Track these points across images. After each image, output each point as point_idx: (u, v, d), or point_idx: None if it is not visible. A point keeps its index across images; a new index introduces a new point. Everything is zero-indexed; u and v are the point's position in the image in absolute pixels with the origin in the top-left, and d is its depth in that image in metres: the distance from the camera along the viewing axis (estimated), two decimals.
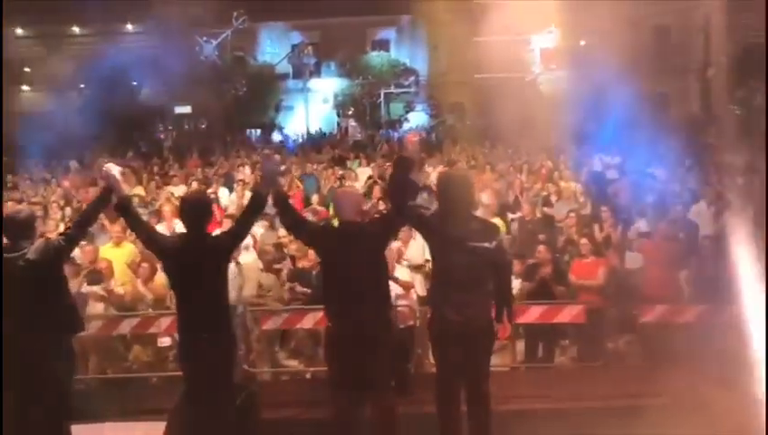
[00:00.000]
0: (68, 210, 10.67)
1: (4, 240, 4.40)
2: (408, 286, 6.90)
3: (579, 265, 7.68)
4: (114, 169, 4.50)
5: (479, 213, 9.50)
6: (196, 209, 4.36)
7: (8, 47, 38.91)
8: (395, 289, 6.97)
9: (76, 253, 7.94)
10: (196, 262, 4.24)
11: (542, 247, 7.62)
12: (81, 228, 4.58)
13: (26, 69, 39.06)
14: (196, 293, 4.25)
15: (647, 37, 31.17)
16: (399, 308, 6.59)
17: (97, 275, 7.29)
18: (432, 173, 13.90)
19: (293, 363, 7.51)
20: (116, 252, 8.13)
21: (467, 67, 30.99)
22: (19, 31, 38.38)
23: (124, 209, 4.41)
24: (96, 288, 7.18)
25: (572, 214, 9.32)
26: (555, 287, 7.29)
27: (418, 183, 4.56)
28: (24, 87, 38.92)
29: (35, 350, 4.20)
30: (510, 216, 10.55)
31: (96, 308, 7.07)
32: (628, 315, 7.05)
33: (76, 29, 38.14)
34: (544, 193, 11.71)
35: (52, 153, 22.30)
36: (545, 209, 10.72)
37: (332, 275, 4.34)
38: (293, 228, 4.63)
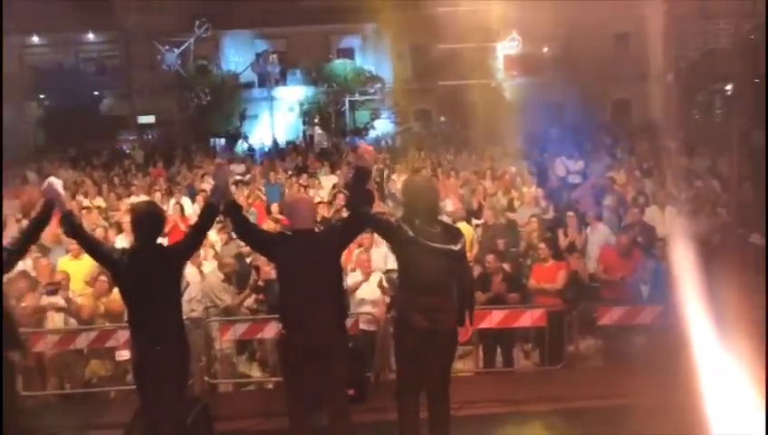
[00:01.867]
0: (24, 223, 10.42)
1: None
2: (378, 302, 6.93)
3: (539, 269, 7.76)
4: (57, 184, 4.43)
5: (444, 219, 9.60)
6: (146, 220, 4.30)
7: None
8: (366, 295, 6.99)
9: (30, 266, 7.83)
10: (148, 273, 4.19)
11: (490, 257, 7.69)
12: (22, 245, 4.52)
13: None
14: (149, 304, 4.19)
15: (607, 44, 31.79)
16: (361, 314, 6.59)
17: (56, 286, 7.16)
18: (398, 181, 13.98)
19: (256, 374, 7.44)
20: (74, 265, 7.99)
21: (432, 74, 31.19)
22: None
23: (69, 224, 4.33)
24: (55, 299, 7.05)
25: (534, 219, 9.41)
26: (507, 295, 7.35)
27: (373, 192, 4.55)
28: None
29: None
30: (474, 221, 10.63)
31: (55, 320, 6.92)
32: (589, 318, 7.12)
33: (35, 38, 37.42)
34: (507, 198, 11.83)
35: (8, 164, 21.84)
36: (508, 214, 10.81)
37: (287, 282, 4.31)
38: (246, 237, 4.64)
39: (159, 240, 4.49)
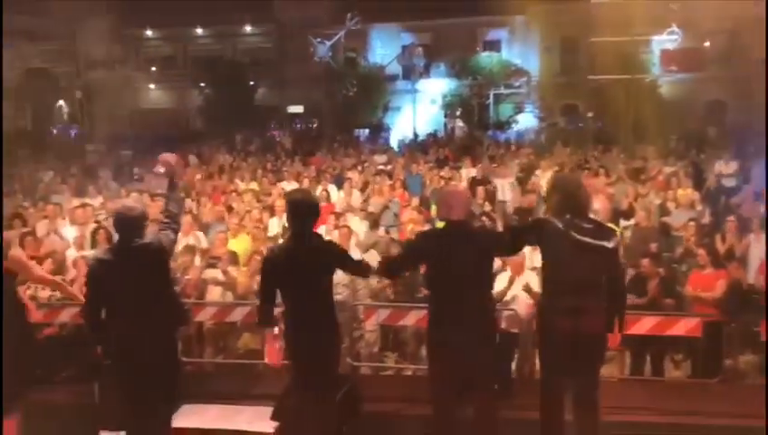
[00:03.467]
0: (188, 202, 11.24)
1: (116, 235, 4.52)
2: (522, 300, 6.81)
3: (696, 276, 7.32)
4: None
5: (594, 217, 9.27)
6: (302, 208, 4.41)
7: (139, 47, 41.64)
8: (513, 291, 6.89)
9: (199, 240, 8.47)
10: (305, 261, 4.30)
11: (646, 260, 7.30)
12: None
13: (153, 68, 41.51)
14: (305, 291, 4.31)
15: None
16: (506, 312, 6.52)
17: (216, 260, 7.66)
18: (542, 177, 13.67)
19: (391, 360, 7.57)
20: (233, 243, 8.51)
21: (581, 68, 30.16)
22: (148, 32, 40.84)
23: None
24: (215, 273, 7.55)
25: (692, 223, 8.88)
26: (663, 301, 6.96)
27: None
28: (151, 85, 41.36)
29: (147, 340, 4.32)
30: (623, 223, 10.18)
31: (214, 293, 7.41)
32: (750, 332, 6.63)
33: (199, 30, 40.11)
34: (659, 201, 11.22)
35: (173, 148, 23.58)
36: (662, 218, 10.25)
37: (438, 273, 4.29)
38: (402, 270, 4.81)
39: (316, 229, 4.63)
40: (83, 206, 10.33)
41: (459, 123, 33.21)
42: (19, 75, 37.48)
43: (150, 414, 4.36)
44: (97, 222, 9.48)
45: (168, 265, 4.60)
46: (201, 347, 7.55)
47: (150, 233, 4.55)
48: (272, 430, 5.46)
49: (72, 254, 8.45)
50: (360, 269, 4.61)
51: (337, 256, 4.51)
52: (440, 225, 4.55)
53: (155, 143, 26.44)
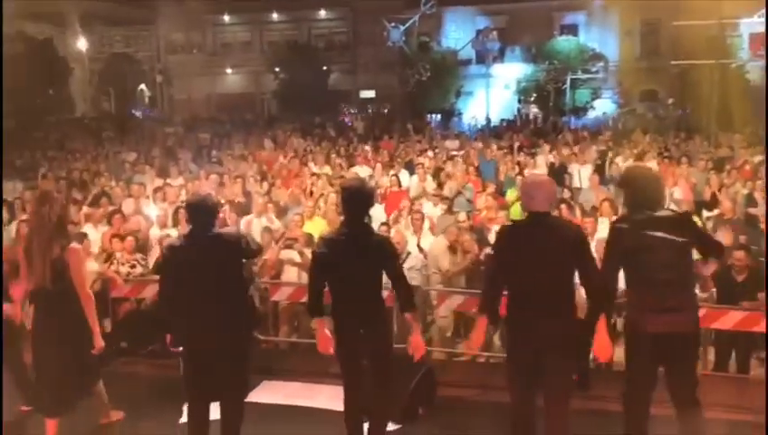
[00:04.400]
0: (264, 185, 11.48)
1: (188, 225, 4.45)
2: None
3: None
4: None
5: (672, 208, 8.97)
6: (357, 197, 4.24)
7: (217, 32, 42.62)
8: None
9: (272, 221, 8.65)
10: (355, 256, 4.16)
11: (740, 253, 6.96)
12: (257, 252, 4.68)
13: (229, 53, 42.48)
14: (353, 287, 4.21)
15: None
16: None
17: (293, 241, 7.81)
18: (621, 164, 13.30)
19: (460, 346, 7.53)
20: (308, 225, 8.65)
21: (663, 53, 29.09)
22: (226, 17, 41.77)
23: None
24: (291, 253, 7.70)
25: None
26: (753, 295, 6.65)
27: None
28: (228, 69, 42.33)
29: (214, 339, 4.22)
30: (705, 214, 9.80)
31: (290, 274, 7.56)
32: None
33: (275, 15, 40.73)
34: (747, 191, 10.72)
35: (249, 131, 24.14)
36: (749, 209, 9.81)
37: (519, 268, 4.09)
38: (497, 277, 4.28)
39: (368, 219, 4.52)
40: (166, 186, 10.69)
41: (534, 109, 32.64)
42: (103, 60, 39.01)
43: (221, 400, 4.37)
44: (179, 202, 9.83)
45: (241, 261, 4.46)
46: (277, 326, 7.72)
47: (229, 226, 4.52)
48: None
49: (155, 233, 8.79)
50: (403, 285, 4.28)
51: (387, 259, 4.27)
52: (515, 214, 4.41)
53: (232, 127, 27.20)
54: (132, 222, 8.86)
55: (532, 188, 4.15)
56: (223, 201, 10.15)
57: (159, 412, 5.37)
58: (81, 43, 38.17)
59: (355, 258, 4.14)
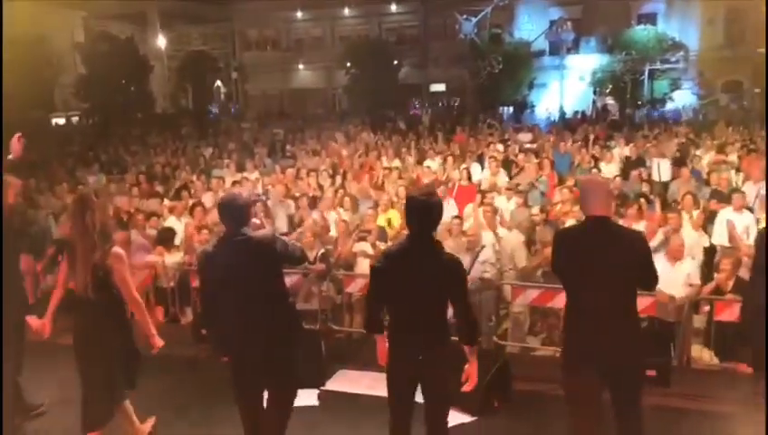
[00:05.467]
0: (338, 179, 11.65)
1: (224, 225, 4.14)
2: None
3: None
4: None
5: (756, 205, 8.59)
6: (425, 211, 3.78)
7: (290, 29, 43.36)
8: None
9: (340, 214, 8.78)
10: (418, 274, 3.74)
11: None
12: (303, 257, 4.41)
13: (302, 49, 43.15)
14: (419, 309, 3.79)
15: None
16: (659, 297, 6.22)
17: (366, 234, 7.92)
18: (703, 157, 12.84)
19: (543, 341, 7.45)
20: (381, 218, 8.75)
21: (748, 41, 27.78)
22: (298, 14, 42.41)
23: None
24: (365, 246, 7.81)
25: None
26: None
27: None
28: (300, 65, 43.00)
29: (254, 350, 4.03)
30: None
31: (363, 265, 7.67)
32: None
33: (346, 11, 41.08)
34: None
35: (321, 126, 24.48)
36: None
37: (575, 275, 3.84)
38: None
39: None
40: (242, 180, 10.99)
41: (609, 100, 31.80)
42: (181, 57, 40.28)
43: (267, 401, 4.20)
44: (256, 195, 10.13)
45: (278, 265, 4.14)
46: (351, 316, 7.84)
47: (265, 229, 4.26)
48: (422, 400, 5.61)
49: None
50: (466, 315, 3.80)
51: (454, 283, 3.78)
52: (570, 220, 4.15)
53: (304, 122, 27.66)
54: (213, 214, 9.18)
55: (588, 190, 3.93)
56: (297, 195, 10.42)
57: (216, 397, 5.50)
58: (161, 42, 39.54)
59: (418, 278, 3.73)
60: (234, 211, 4.01)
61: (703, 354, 6.49)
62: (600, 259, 3.70)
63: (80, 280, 4.30)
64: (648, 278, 3.80)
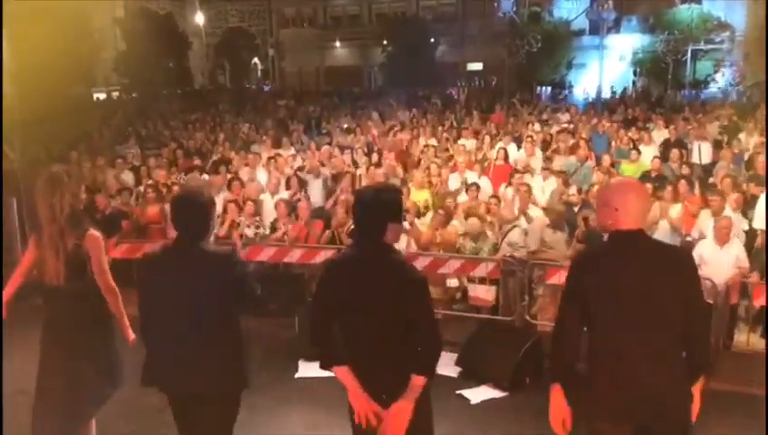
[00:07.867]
0: (374, 156, 11.69)
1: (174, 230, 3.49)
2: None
3: None
4: None
5: None
6: (373, 209, 2.94)
7: (326, 6, 43.29)
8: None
9: None
10: (371, 288, 2.94)
11: None
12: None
13: (339, 26, 43.07)
14: (373, 334, 2.99)
15: None
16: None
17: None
18: (746, 141, 12.57)
19: None
20: (415, 195, 8.79)
21: None
22: None
23: None
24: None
25: None
26: None
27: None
28: (337, 43, 42.96)
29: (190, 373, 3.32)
30: None
31: (399, 243, 7.73)
32: None
33: None
34: None
35: (357, 104, 24.50)
36: None
37: (601, 308, 2.89)
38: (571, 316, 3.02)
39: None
40: (277, 156, 11.13)
41: (650, 81, 31.18)
42: (219, 34, 40.56)
43: None
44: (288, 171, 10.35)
45: (224, 289, 3.24)
46: None
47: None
48: (455, 375, 5.68)
49: (267, 198, 9.23)
50: (425, 339, 2.94)
51: (411, 299, 2.89)
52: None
53: (340, 100, 27.69)
54: (250, 188, 9.33)
55: (613, 196, 2.95)
56: (334, 172, 10.51)
57: (275, 368, 5.67)
58: (199, 18, 39.80)
59: (365, 293, 2.92)
60: (188, 213, 3.26)
61: (749, 338, 6.46)
62: (630, 287, 2.82)
63: (49, 267, 3.84)
64: (696, 312, 2.89)
